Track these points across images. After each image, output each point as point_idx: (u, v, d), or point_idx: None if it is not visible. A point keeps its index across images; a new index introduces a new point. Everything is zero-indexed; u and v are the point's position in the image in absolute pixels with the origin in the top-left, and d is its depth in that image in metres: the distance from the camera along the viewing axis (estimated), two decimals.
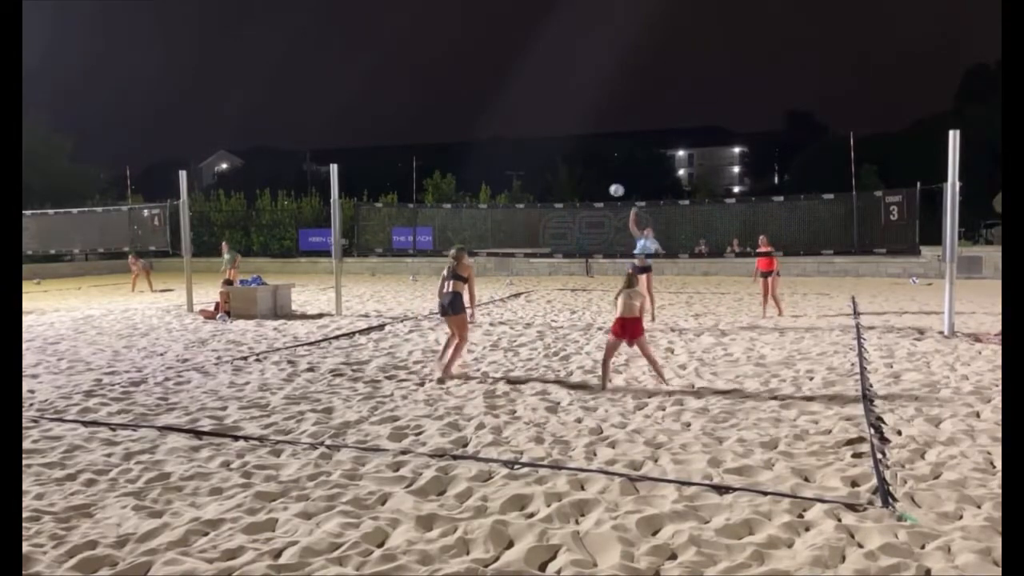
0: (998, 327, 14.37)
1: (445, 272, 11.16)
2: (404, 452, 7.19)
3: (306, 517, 5.64)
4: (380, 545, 5.21)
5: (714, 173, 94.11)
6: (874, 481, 6.25)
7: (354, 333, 15.32)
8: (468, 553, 5.10)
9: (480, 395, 9.63)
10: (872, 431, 7.71)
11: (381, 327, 16.22)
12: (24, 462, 6.92)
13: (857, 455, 7.01)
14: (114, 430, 8.06)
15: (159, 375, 11.07)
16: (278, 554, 5.03)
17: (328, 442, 7.54)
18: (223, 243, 27.57)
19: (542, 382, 10.42)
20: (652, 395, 9.60)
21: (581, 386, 10.13)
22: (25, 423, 8.33)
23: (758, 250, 17.30)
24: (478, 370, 11.33)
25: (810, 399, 9.27)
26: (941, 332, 14.34)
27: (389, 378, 10.77)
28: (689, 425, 8.16)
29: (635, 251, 16.75)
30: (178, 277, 25.55)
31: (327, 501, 5.97)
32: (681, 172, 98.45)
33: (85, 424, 8.31)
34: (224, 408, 9.06)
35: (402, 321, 17.24)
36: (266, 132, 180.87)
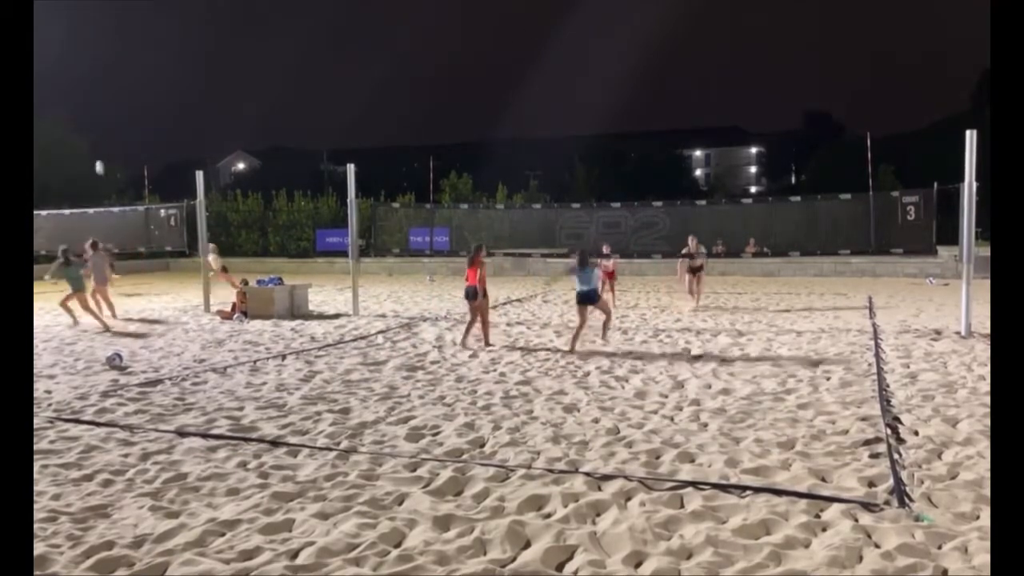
0: None
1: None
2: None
3: (323, 517, 5.66)
4: (397, 546, 5.22)
5: (731, 173, 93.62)
6: (891, 481, 6.24)
7: (375, 333, 15.35)
8: (485, 553, 5.11)
9: (497, 395, 9.67)
10: (889, 431, 7.69)
11: (402, 327, 16.23)
12: (41, 463, 6.98)
13: (874, 455, 7.00)
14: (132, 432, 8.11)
15: (176, 375, 11.12)
16: (295, 555, 5.05)
17: (346, 445, 7.58)
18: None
19: (559, 382, 10.43)
20: (669, 395, 9.61)
21: (598, 386, 10.13)
22: (42, 423, 8.39)
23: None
24: (495, 370, 11.35)
25: (827, 399, 9.25)
26: (958, 332, 14.25)
27: (406, 378, 10.81)
28: (706, 425, 8.16)
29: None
30: (194, 277, 25.61)
31: (344, 501, 6.00)
32: (698, 172, 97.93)
33: (100, 424, 8.37)
34: (241, 408, 9.10)
35: (423, 320, 17.25)
36: (283, 132, 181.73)
